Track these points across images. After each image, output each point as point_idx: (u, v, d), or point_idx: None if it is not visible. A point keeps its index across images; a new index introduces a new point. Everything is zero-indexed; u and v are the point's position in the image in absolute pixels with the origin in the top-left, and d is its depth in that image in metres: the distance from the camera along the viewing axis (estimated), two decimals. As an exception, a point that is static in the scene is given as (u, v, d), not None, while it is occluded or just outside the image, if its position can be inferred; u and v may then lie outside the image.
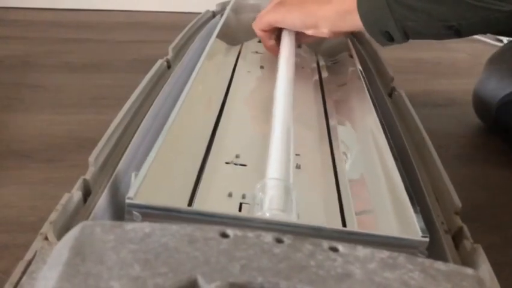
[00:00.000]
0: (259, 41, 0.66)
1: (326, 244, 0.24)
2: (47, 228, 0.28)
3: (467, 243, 0.33)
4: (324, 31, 0.55)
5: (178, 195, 0.38)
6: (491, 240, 0.51)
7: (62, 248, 0.22)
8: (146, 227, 0.23)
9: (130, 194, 0.30)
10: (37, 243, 0.27)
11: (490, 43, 1.09)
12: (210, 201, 0.38)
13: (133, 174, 0.33)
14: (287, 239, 0.24)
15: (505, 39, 0.97)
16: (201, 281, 0.21)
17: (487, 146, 0.70)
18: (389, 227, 0.36)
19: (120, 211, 0.32)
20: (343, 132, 0.51)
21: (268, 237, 0.24)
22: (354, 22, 0.51)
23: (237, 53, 0.68)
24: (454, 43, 1.07)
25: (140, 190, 0.31)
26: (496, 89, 0.68)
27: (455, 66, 1.01)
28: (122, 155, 0.38)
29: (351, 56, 0.63)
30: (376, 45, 0.63)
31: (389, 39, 0.50)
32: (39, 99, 0.74)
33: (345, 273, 0.23)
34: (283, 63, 0.53)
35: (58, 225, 0.29)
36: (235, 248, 0.23)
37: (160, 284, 0.20)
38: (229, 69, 0.63)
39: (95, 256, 0.21)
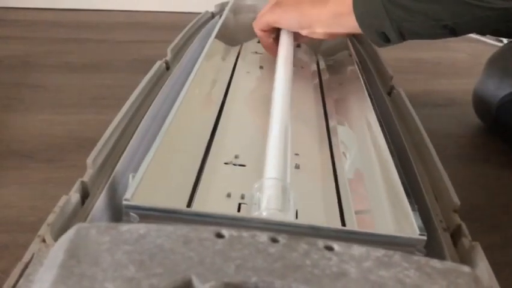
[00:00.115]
0: (259, 41, 0.67)
1: (321, 243, 0.24)
2: (44, 231, 0.28)
3: (466, 241, 0.33)
4: (319, 33, 0.55)
5: (177, 196, 0.38)
6: (491, 240, 0.51)
7: (57, 250, 0.22)
8: (141, 228, 0.23)
9: (127, 195, 0.30)
10: (35, 246, 0.27)
11: (490, 43, 1.09)
12: (208, 201, 0.38)
13: (130, 176, 0.33)
14: (282, 239, 0.24)
15: (505, 39, 0.97)
16: (195, 281, 0.21)
17: (487, 146, 0.70)
18: (388, 226, 0.36)
19: (118, 213, 0.32)
20: (342, 132, 0.51)
21: (263, 237, 0.24)
22: (349, 24, 0.51)
23: (236, 54, 0.68)
24: (454, 43, 1.07)
25: (138, 191, 0.31)
26: (496, 89, 0.68)
27: (455, 66, 1.01)
28: (121, 156, 0.38)
29: (351, 55, 0.63)
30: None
31: (385, 40, 0.51)
32: (39, 99, 0.74)
33: (340, 272, 0.23)
34: (281, 63, 0.53)
35: (56, 228, 0.29)
36: (230, 248, 0.23)
37: (155, 284, 0.20)
38: (229, 69, 0.63)
39: (90, 258, 0.21)
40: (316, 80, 0.64)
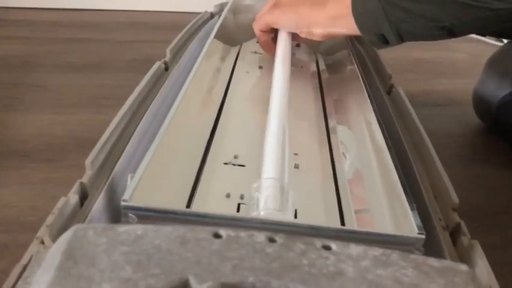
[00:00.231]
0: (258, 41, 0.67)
1: (318, 243, 0.24)
2: (43, 232, 0.28)
3: (465, 239, 0.33)
4: (317, 34, 0.55)
5: (176, 196, 0.38)
6: (491, 240, 0.50)
7: (55, 252, 0.22)
8: (138, 229, 0.23)
9: (125, 196, 0.30)
10: (33, 247, 0.27)
11: (490, 43, 1.09)
12: (208, 202, 0.38)
13: (129, 176, 0.33)
14: (279, 238, 0.24)
15: (505, 39, 0.97)
16: (192, 281, 0.21)
17: (487, 145, 0.70)
18: (387, 225, 0.36)
19: (117, 214, 0.32)
20: (342, 131, 0.51)
21: (260, 236, 0.24)
22: (348, 26, 0.51)
23: (235, 54, 0.68)
24: (454, 43, 1.07)
25: (136, 192, 0.31)
26: (496, 89, 0.68)
27: (455, 66, 1.01)
28: (120, 157, 0.38)
29: (350, 55, 0.63)
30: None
31: (384, 41, 0.51)
32: (39, 99, 0.74)
33: (337, 271, 0.23)
34: (279, 62, 0.54)
35: (54, 229, 0.29)
36: (227, 248, 0.23)
37: (152, 285, 0.20)
38: (228, 69, 0.63)
39: (87, 259, 0.21)
40: (316, 80, 0.64)
